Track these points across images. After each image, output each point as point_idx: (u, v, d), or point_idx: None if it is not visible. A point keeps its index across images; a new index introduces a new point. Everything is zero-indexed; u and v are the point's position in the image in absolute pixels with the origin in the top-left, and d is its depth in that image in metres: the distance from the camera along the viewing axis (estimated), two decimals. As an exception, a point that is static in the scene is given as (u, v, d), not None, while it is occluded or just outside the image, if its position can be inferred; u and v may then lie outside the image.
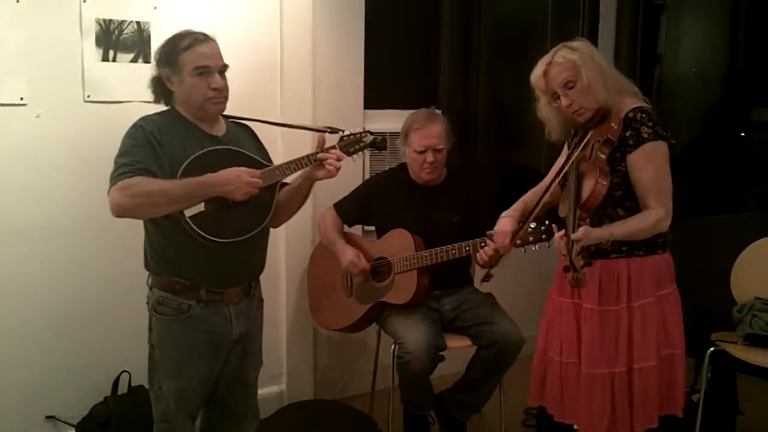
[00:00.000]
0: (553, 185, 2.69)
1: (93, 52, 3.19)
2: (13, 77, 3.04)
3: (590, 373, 2.67)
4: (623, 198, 2.60)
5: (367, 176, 3.93)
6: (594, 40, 4.41)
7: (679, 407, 2.76)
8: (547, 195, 2.70)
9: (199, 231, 2.37)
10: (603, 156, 2.54)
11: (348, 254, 3.39)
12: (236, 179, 2.38)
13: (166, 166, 2.37)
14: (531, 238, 2.75)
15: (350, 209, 3.54)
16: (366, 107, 4.02)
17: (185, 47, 2.41)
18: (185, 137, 2.44)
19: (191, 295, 2.47)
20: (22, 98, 3.06)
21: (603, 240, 2.46)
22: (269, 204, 2.52)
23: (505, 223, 2.82)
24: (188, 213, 2.35)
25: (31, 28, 3.06)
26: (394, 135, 3.53)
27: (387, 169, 3.75)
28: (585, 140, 2.58)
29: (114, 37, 3.22)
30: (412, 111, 3.49)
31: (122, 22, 3.23)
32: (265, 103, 3.56)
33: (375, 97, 4.05)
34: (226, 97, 2.50)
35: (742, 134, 5.28)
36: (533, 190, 2.96)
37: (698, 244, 4.51)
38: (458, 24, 4.27)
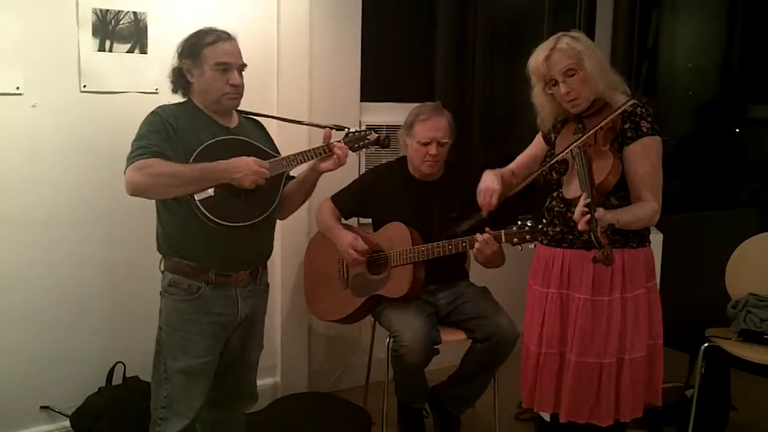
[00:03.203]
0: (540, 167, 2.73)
1: (89, 42, 3.17)
2: (9, 67, 3.02)
3: (579, 362, 2.69)
4: (617, 188, 2.59)
5: (363, 169, 3.92)
6: (591, 34, 4.41)
7: (659, 397, 2.79)
8: (534, 175, 2.74)
9: (207, 214, 2.47)
10: (608, 145, 2.55)
11: (346, 238, 3.37)
12: (245, 167, 2.50)
13: (180, 152, 2.49)
14: (527, 237, 2.79)
15: (348, 201, 3.53)
16: (362, 100, 4.01)
17: (209, 42, 2.57)
18: (199, 126, 2.57)
19: (201, 278, 2.60)
20: (18, 88, 3.05)
21: (612, 223, 2.45)
22: (275, 193, 2.64)
23: (491, 179, 2.81)
24: (198, 197, 2.47)
25: (27, 18, 3.04)
26: (390, 128, 3.52)
27: (385, 162, 3.74)
28: (586, 129, 2.58)
29: (110, 27, 3.21)
30: (408, 104, 3.48)
31: (119, 12, 3.22)
32: (261, 95, 3.53)
33: (371, 90, 4.04)
34: (241, 94, 2.65)
35: (738, 130, 5.28)
36: (515, 163, 2.99)
37: (693, 239, 4.53)
38: (454, 17, 4.27)
